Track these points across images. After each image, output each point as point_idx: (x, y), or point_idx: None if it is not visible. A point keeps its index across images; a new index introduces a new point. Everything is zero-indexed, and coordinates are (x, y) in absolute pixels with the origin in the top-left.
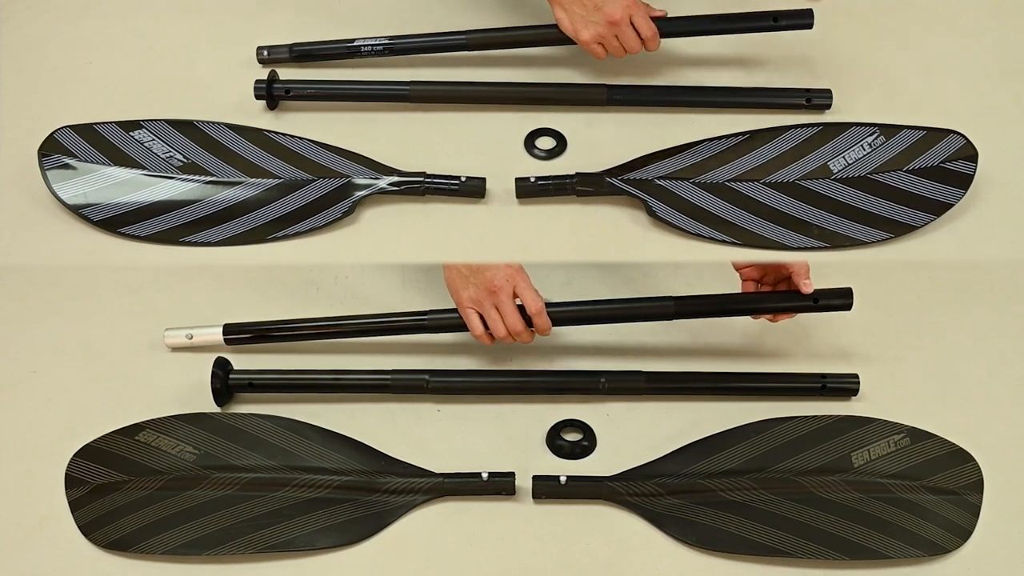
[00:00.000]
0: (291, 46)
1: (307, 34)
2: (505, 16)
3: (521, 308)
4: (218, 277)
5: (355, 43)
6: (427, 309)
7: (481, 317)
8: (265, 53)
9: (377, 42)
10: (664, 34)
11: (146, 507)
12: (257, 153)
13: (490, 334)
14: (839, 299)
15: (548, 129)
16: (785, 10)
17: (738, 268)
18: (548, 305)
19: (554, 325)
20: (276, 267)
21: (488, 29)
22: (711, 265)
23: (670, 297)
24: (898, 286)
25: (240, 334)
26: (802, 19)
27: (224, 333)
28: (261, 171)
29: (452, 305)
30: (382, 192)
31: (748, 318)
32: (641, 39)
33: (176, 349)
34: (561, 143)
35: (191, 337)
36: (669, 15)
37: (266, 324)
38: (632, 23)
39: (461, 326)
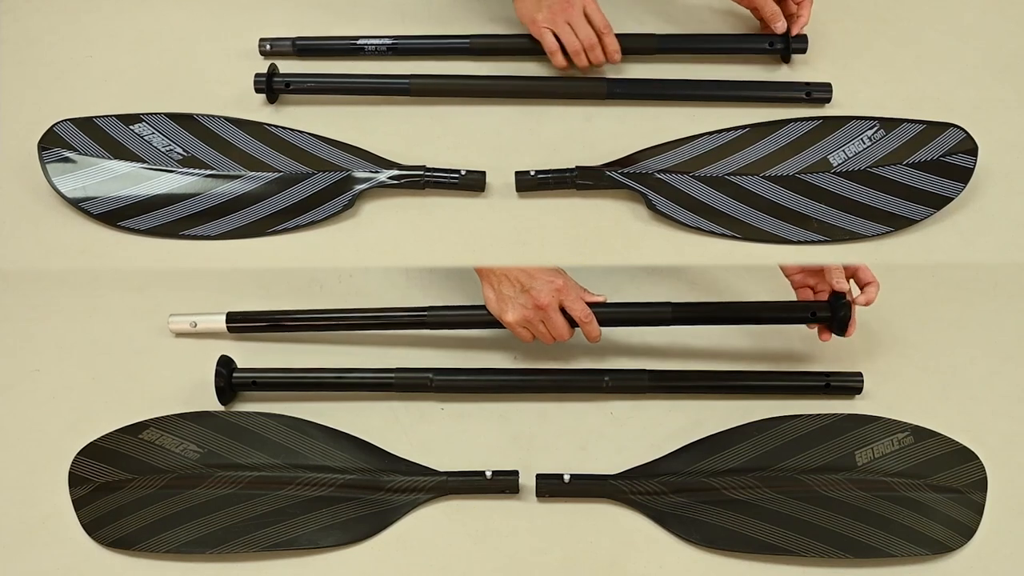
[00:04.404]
0: (294, 40)
1: (306, 26)
2: (506, 8)
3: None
4: (221, 273)
5: (359, 42)
6: (430, 305)
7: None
8: (268, 46)
9: (381, 42)
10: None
11: (150, 505)
12: (257, 147)
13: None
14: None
15: None
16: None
17: (788, 275)
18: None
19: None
20: (277, 266)
21: (491, 35)
22: (711, 264)
23: (668, 303)
24: (900, 283)
25: (244, 322)
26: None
27: (227, 321)
28: (261, 164)
29: (457, 302)
30: (382, 186)
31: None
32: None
33: (180, 335)
34: None
35: (195, 325)
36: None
37: (269, 313)
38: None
39: (462, 323)
